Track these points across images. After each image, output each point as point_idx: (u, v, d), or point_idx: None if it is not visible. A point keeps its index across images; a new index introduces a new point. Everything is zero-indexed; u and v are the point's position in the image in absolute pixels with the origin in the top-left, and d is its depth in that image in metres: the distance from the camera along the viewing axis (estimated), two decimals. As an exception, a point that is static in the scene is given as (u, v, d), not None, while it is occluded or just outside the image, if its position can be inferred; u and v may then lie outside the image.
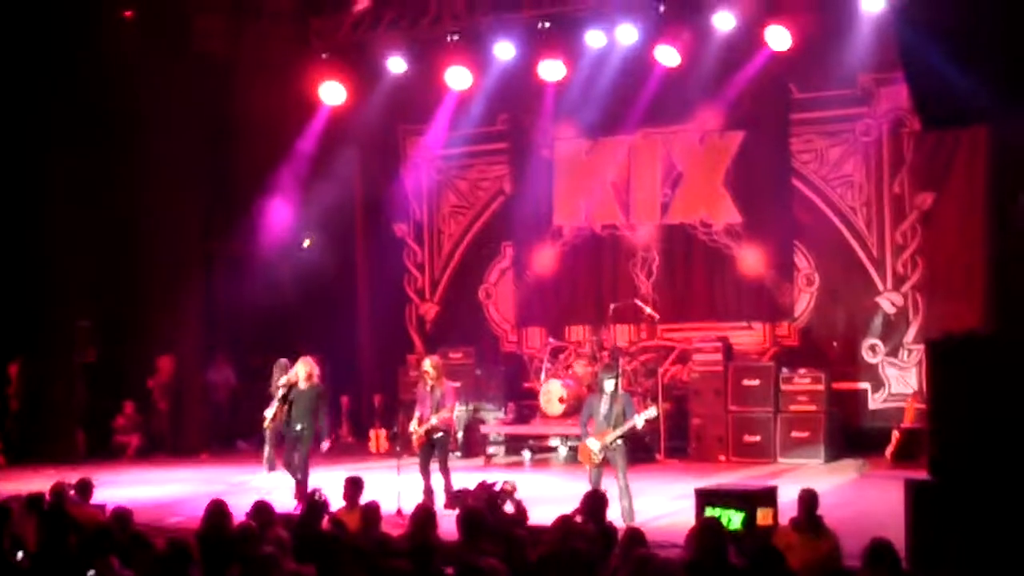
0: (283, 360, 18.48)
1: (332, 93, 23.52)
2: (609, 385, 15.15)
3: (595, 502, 11.46)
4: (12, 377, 22.74)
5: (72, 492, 13.37)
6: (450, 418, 16.60)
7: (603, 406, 15.10)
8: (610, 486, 14.66)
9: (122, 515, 11.57)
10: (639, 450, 19.37)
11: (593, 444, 15.01)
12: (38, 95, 21.98)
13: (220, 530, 10.81)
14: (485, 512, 11.23)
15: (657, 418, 16.26)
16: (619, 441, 14.93)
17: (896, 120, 20.92)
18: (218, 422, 24.21)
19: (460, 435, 21.28)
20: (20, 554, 11.00)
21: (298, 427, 16.97)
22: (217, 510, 11.34)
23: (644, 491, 15.94)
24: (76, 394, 23.05)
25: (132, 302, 23.14)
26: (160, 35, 22.49)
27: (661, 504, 15.86)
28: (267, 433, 18.93)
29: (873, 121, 21.29)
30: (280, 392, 17.24)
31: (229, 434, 24.03)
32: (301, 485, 16.53)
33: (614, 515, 14.48)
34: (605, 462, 15.03)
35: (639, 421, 15.06)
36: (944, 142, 20.03)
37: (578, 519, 11.15)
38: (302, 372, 17.12)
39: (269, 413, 18.16)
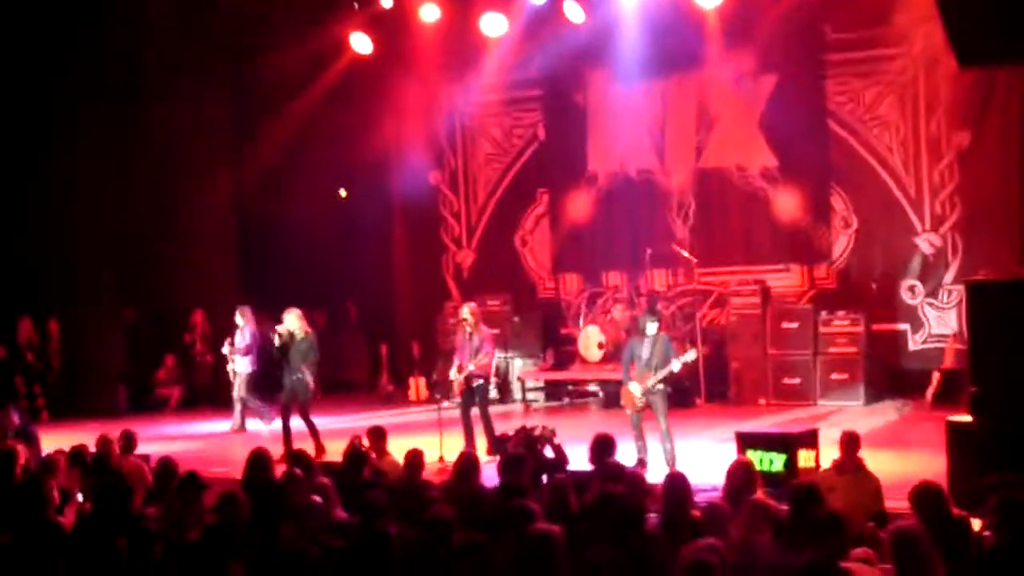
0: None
1: (362, 43, 23.47)
2: (651, 328, 15.07)
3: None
4: (52, 334, 22.91)
5: (116, 445, 13.50)
6: (488, 364, 16.61)
7: (644, 350, 15.03)
8: (651, 431, 14.72)
9: (167, 465, 11.67)
10: (679, 394, 19.47)
11: (635, 388, 14.97)
12: (64, 52, 21.92)
13: (263, 478, 10.94)
14: (526, 457, 11.29)
15: (696, 361, 16.18)
16: (660, 385, 14.93)
17: (932, 59, 20.70)
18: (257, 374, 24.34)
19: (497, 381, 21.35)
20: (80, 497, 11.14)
21: (295, 376, 17.29)
22: (260, 458, 11.50)
23: (685, 435, 15.97)
24: (116, 349, 23.20)
25: (170, 257, 23.19)
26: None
27: (702, 448, 15.88)
28: (241, 384, 19.57)
29: (909, 61, 21.08)
30: (277, 344, 17.50)
31: (269, 386, 24.14)
32: (312, 434, 17.17)
33: (657, 459, 14.59)
34: (647, 406, 15.04)
35: (676, 365, 14.96)
36: (980, 80, 19.94)
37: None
38: (295, 323, 17.33)
39: (244, 366, 19.49)
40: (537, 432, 13.35)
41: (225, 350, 20.20)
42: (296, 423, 17.33)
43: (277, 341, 17.39)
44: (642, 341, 15.12)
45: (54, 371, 22.85)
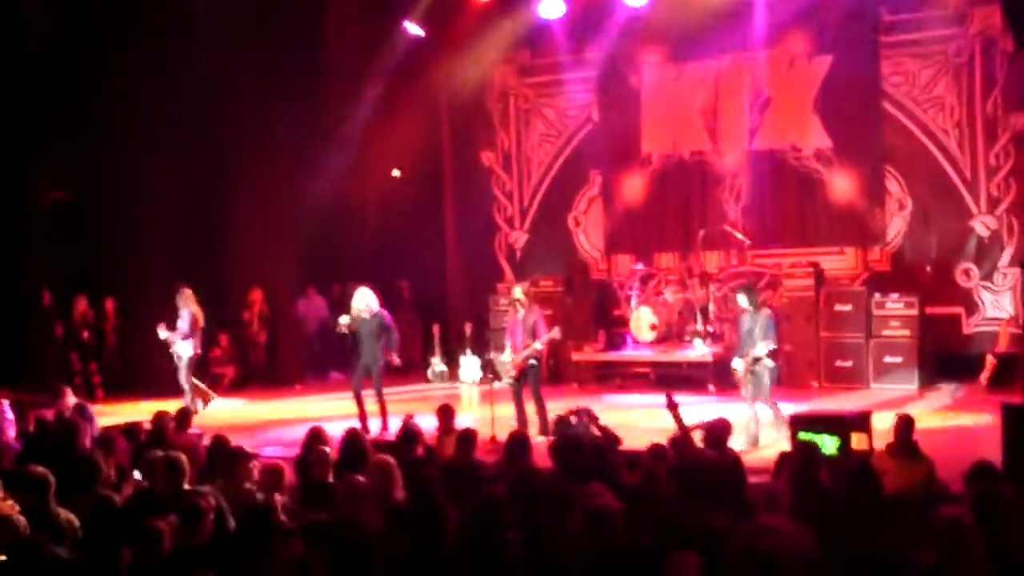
0: (187, 290, 19.53)
1: (416, 26, 23.45)
2: (741, 300, 15.45)
3: (717, 430, 11.45)
4: (109, 312, 23.06)
5: (171, 422, 13.59)
6: (545, 344, 16.56)
7: (744, 324, 15.38)
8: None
9: (220, 442, 11.79)
10: (729, 376, 19.60)
11: (737, 364, 15.29)
12: (127, 39, 22.02)
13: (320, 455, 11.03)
14: (579, 439, 11.31)
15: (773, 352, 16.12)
16: (765, 362, 15.05)
17: (988, 40, 20.59)
18: (311, 353, 24.50)
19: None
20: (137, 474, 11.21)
21: (367, 354, 17.19)
22: (316, 436, 11.60)
23: (736, 417, 15.90)
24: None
25: (225, 235, 23.28)
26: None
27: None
28: (184, 368, 19.44)
29: (965, 42, 20.95)
30: (346, 325, 17.42)
31: (322, 365, 24.29)
32: (382, 411, 17.07)
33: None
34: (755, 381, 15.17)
35: (761, 349, 15.06)
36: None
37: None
38: (364, 302, 17.26)
39: (186, 350, 19.13)
40: (573, 420, 13.34)
41: (162, 335, 19.81)
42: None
43: (347, 320, 17.36)
44: (745, 316, 15.42)
45: (109, 349, 23.00)
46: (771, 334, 15.13)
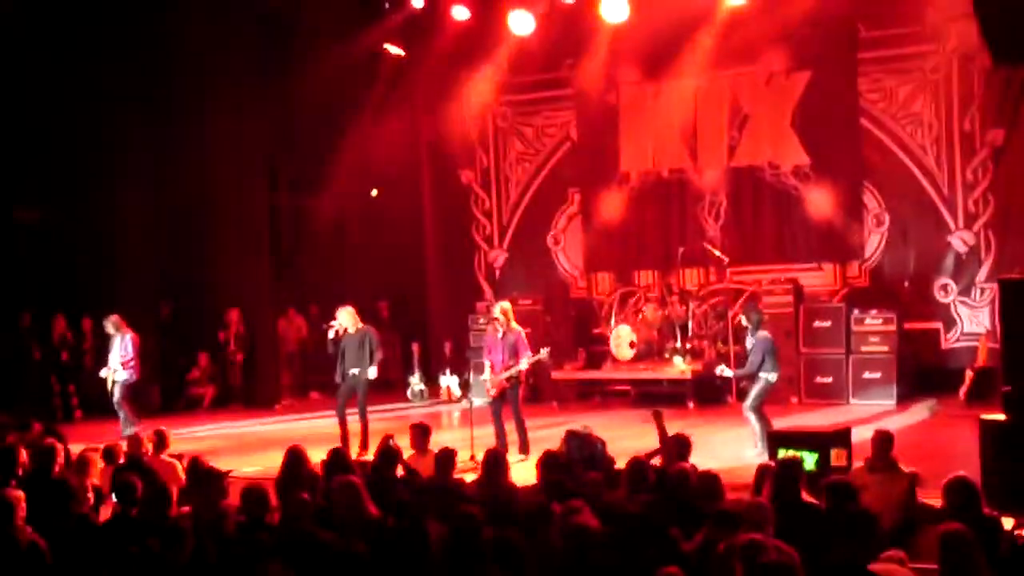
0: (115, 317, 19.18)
1: (394, 45, 23.49)
2: (743, 321, 16.30)
3: (677, 445, 11.46)
4: (86, 332, 22.97)
5: (149, 444, 13.53)
6: (530, 364, 16.44)
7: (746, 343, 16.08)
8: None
9: (196, 464, 11.75)
10: (712, 392, 19.99)
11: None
12: (109, 58, 21.99)
13: (298, 476, 11.00)
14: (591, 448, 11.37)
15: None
16: (760, 376, 15.54)
17: (965, 56, 20.66)
18: (291, 373, 24.43)
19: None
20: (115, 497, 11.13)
21: (353, 372, 17.03)
22: (295, 456, 11.57)
23: (715, 433, 15.95)
24: (150, 348, 23.22)
25: (203, 256, 23.23)
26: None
27: (734, 446, 15.84)
28: (119, 391, 19.18)
29: (942, 58, 21.05)
30: (331, 342, 17.30)
31: (302, 384, 24.25)
32: (363, 430, 16.90)
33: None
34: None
35: (726, 371, 16.68)
36: (1015, 78, 19.86)
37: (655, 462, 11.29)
38: (348, 320, 17.16)
39: (120, 375, 18.92)
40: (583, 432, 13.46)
41: (103, 373, 19.31)
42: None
43: (332, 336, 17.23)
44: (747, 336, 16.05)
45: (87, 369, 22.87)
46: (757, 355, 15.34)
